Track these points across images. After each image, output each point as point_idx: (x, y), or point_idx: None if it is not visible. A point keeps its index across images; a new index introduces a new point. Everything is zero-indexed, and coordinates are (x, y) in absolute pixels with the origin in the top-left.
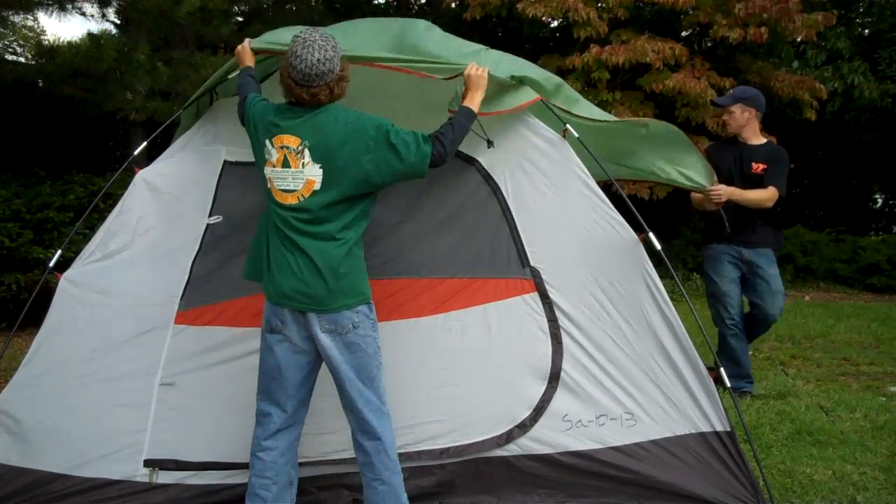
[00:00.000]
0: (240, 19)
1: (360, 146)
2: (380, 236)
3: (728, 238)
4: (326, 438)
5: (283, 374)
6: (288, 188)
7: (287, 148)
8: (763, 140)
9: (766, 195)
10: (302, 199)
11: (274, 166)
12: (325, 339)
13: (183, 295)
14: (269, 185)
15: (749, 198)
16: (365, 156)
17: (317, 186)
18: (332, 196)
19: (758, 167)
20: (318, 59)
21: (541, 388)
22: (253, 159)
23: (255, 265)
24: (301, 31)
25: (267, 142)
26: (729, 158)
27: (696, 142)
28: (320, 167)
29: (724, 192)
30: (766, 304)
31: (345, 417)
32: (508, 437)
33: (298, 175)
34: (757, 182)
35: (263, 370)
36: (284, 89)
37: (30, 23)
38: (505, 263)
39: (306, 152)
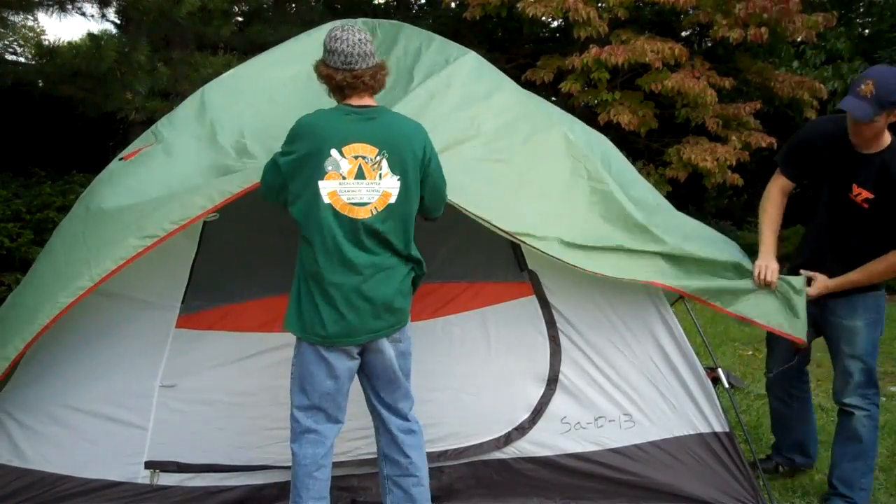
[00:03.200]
0: (240, 19)
1: (425, 155)
2: None
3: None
4: None
5: (340, 389)
6: (362, 201)
7: (363, 158)
8: (883, 144)
9: (886, 267)
10: (375, 212)
11: (344, 178)
12: (388, 348)
13: (184, 299)
14: (326, 200)
15: (857, 281)
16: (427, 167)
17: (392, 199)
18: (408, 210)
19: (860, 193)
20: (360, 39)
21: (539, 391)
22: None
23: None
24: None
25: (334, 151)
26: (833, 162)
27: (697, 142)
28: (398, 178)
29: (815, 289)
30: (834, 370)
31: None
32: (507, 439)
33: (374, 187)
34: (860, 216)
35: (315, 388)
36: (331, 85)
37: (30, 23)
38: (503, 267)
39: (384, 163)
